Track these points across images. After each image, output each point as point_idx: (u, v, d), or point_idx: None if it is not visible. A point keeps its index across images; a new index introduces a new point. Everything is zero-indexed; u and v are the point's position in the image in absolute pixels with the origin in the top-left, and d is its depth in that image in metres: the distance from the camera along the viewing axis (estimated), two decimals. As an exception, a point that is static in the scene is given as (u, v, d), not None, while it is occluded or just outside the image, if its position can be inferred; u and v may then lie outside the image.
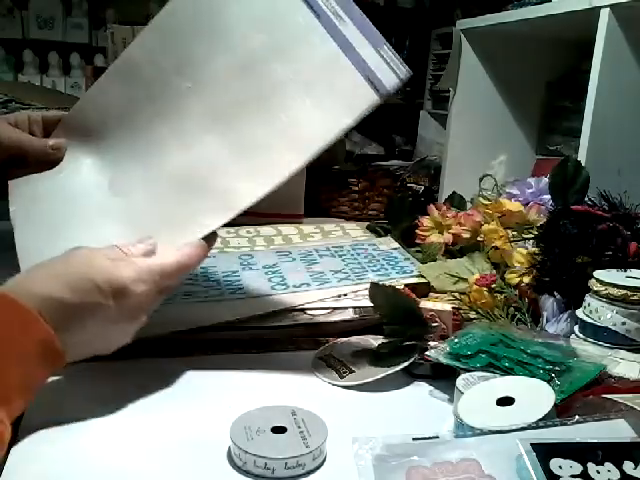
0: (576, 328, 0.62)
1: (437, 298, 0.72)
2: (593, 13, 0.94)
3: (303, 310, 0.70)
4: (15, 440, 0.47)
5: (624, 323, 0.58)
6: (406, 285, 0.75)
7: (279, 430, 0.47)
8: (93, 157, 0.64)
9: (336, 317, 0.69)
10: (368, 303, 0.67)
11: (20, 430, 0.48)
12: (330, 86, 0.54)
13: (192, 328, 0.65)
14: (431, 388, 0.59)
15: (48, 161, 0.65)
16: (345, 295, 0.73)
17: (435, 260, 0.83)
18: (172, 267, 0.54)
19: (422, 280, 0.78)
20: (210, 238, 0.58)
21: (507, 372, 0.53)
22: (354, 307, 0.70)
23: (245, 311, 0.68)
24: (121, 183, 0.62)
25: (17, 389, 0.45)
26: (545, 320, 0.66)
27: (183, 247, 0.56)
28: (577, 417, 0.42)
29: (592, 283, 0.61)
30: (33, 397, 0.46)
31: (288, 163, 0.55)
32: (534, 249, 0.72)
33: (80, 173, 0.65)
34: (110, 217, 0.61)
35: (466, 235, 0.84)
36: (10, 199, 0.65)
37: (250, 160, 0.57)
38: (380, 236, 0.98)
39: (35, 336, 0.46)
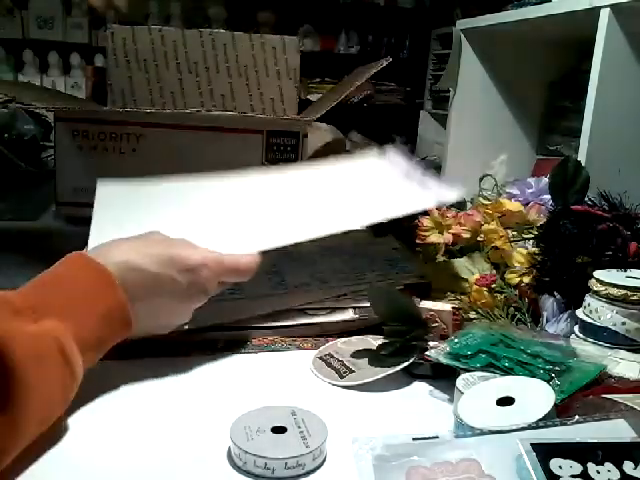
0: (576, 328, 0.62)
1: (437, 298, 0.72)
2: (593, 13, 0.94)
3: (303, 310, 0.70)
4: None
5: (624, 323, 0.58)
6: (406, 285, 0.75)
7: (279, 430, 0.47)
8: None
9: (336, 317, 0.69)
10: (368, 303, 0.67)
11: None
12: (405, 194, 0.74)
13: (191, 328, 0.65)
14: (431, 388, 0.59)
15: None
16: (345, 295, 0.73)
17: (435, 260, 0.83)
18: (235, 263, 0.60)
19: (422, 280, 0.78)
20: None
21: (507, 372, 0.53)
22: (354, 307, 0.70)
23: (245, 311, 0.68)
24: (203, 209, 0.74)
25: (89, 343, 0.50)
26: (545, 320, 0.66)
27: (244, 254, 0.62)
28: (577, 417, 0.42)
29: (592, 283, 0.61)
30: (97, 359, 0.52)
31: (350, 219, 0.70)
32: (534, 249, 0.72)
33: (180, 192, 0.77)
34: (184, 227, 0.67)
35: (466, 235, 0.84)
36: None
37: (322, 212, 0.71)
38: (380, 236, 0.98)
39: (108, 297, 0.51)
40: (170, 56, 1.17)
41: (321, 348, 0.65)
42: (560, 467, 0.38)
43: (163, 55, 1.17)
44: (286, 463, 0.44)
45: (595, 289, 0.60)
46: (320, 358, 0.63)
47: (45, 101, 1.14)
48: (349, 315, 0.70)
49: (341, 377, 0.60)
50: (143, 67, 1.17)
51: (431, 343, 0.61)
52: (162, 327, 0.59)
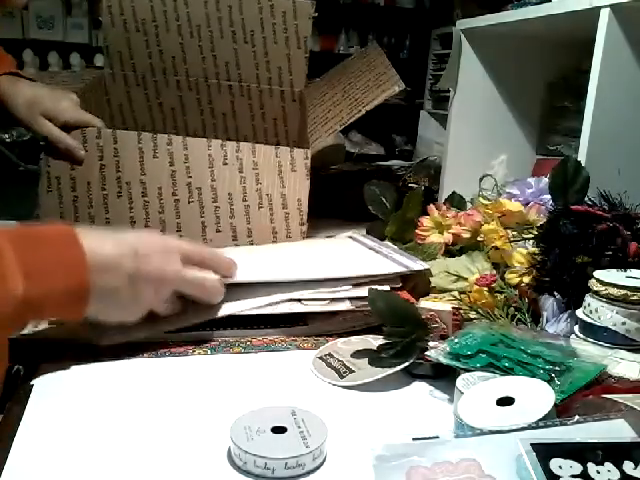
0: (576, 328, 0.62)
1: (437, 298, 0.72)
2: (593, 13, 0.94)
3: (299, 300, 0.69)
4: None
5: (624, 323, 0.58)
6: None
7: (279, 430, 0.47)
8: None
9: (332, 307, 0.69)
10: (364, 293, 0.66)
11: (17, 438, 0.48)
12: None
13: (189, 326, 0.65)
14: (431, 388, 0.59)
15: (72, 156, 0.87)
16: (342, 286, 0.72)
17: (435, 260, 0.83)
18: (196, 247, 0.65)
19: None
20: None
21: (507, 372, 0.53)
22: (350, 298, 0.70)
23: (242, 301, 0.68)
24: None
25: (35, 274, 0.50)
26: (545, 320, 0.66)
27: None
28: (577, 417, 0.42)
29: (592, 283, 0.61)
30: (45, 305, 0.52)
31: (334, 270, 0.73)
32: (534, 249, 0.72)
33: None
34: None
35: (466, 235, 0.84)
36: None
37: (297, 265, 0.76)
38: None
39: (70, 247, 0.54)
40: (170, 17, 1.08)
41: (321, 348, 0.65)
42: (560, 467, 0.37)
43: (162, 15, 1.08)
44: (286, 463, 0.44)
45: (595, 289, 0.60)
46: (320, 358, 0.63)
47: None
48: (346, 305, 0.69)
49: (341, 377, 0.60)
50: (141, 28, 1.08)
51: (431, 343, 0.61)
52: (125, 310, 0.59)
